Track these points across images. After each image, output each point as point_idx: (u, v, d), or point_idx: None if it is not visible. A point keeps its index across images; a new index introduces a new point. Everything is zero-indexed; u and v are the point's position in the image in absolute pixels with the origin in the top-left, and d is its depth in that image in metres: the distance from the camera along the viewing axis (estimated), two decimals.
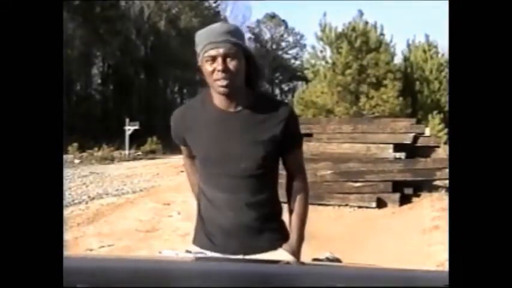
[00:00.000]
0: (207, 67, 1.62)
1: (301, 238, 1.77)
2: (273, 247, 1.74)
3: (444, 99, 16.34)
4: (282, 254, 1.74)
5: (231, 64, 1.60)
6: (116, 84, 31.96)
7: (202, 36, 1.66)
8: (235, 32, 1.65)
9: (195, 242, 1.83)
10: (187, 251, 1.80)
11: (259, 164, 1.68)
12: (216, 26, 1.66)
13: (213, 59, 1.60)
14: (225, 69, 1.59)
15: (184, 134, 1.76)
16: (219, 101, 1.69)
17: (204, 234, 1.79)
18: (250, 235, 1.73)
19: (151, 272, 1.04)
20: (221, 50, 1.59)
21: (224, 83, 1.60)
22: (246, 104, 1.69)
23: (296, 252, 1.74)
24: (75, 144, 17.75)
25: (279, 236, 1.77)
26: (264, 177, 1.72)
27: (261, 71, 1.81)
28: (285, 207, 1.83)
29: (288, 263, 1.67)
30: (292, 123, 1.73)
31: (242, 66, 1.64)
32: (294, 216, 1.78)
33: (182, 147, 1.86)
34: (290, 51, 49.30)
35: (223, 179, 1.70)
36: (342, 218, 7.24)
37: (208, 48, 1.61)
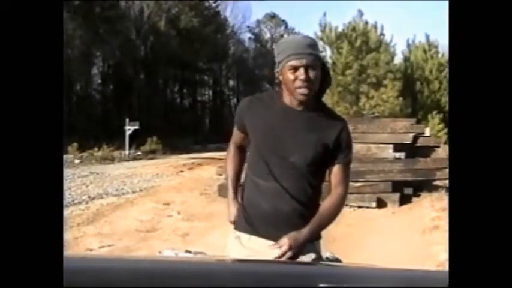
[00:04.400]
0: (289, 75, 1.78)
1: (310, 236, 1.79)
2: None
3: (444, 99, 16.35)
4: (311, 253, 1.82)
5: (312, 74, 1.77)
6: (116, 84, 31.93)
7: (285, 47, 1.81)
8: (315, 46, 1.83)
9: (237, 227, 1.95)
10: (187, 251, 1.81)
11: (306, 163, 1.82)
12: (299, 39, 1.85)
13: (296, 68, 1.76)
14: (307, 79, 1.76)
15: (246, 120, 1.92)
16: (289, 100, 1.85)
17: (244, 219, 1.91)
18: (287, 224, 1.82)
19: (151, 272, 1.04)
20: (304, 61, 1.76)
21: (305, 91, 1.77)
22: (310, 107, 1.84)
23: (295, 244, 1.73)
24: (75, 144, 17.72)
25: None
26: (309, 175, 1.84)
27: (330, 80, 1.95)
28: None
29: (316, 259, 1.71)
30: (343, 138, 1.86)
31: (319, 76, 1.80)
32: (317, 215, 1.82)
33: (235, 133, 2.03)
34: None
35: (272, 166, 1.84)
36: (342, 218, 7.17)
37: (292, 59, 1.77)
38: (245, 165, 2.03)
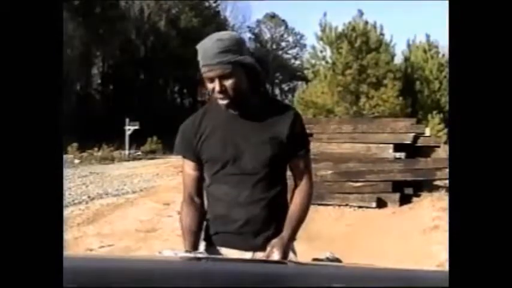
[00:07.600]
0: (208, 84, 1.70)
1: (292, 237, 1.76)
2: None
3: (444, 99, 16.37)
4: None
5: (228, 83, 1.67)
6: (116, 84, 31.97)
7: (199, 54, 1.70)
8: (229, 48, 1.66)
9: (208, 243, 1.86)
10: (187, 251, 1.80)
11: (266, 164, 1.75)
12: (208, 46, 1.68)
13: (211, 79, 1.68)
14: (222, 90, 1.68)
15: (196, 140, 1.80)
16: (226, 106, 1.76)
17: (214, 233, 1.83)
18: (258, 231, 1.77)
19: (151, 272, 1.04)
20: (215, 73, 1.66)
21: (224, 101, 1.70)
22: (251, 107, 1.76)
23: (285, 250, 1.69)
24: (75, 144, 17.76)
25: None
26: (272, 176, 1.77)
27: (262, 76, 1.81)
28: None
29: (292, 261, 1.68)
30: (297, 126, 1.79)
31: (240, 79, 1.69)
32: (291, 214, 1.78)
33: (187, 170, 1.85)
34: (290, 51, 49.27)
35: (233, 177, 1.76)
36: (342, 218, 7.25)
37: (205, 70, 1.68)
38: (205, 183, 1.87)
